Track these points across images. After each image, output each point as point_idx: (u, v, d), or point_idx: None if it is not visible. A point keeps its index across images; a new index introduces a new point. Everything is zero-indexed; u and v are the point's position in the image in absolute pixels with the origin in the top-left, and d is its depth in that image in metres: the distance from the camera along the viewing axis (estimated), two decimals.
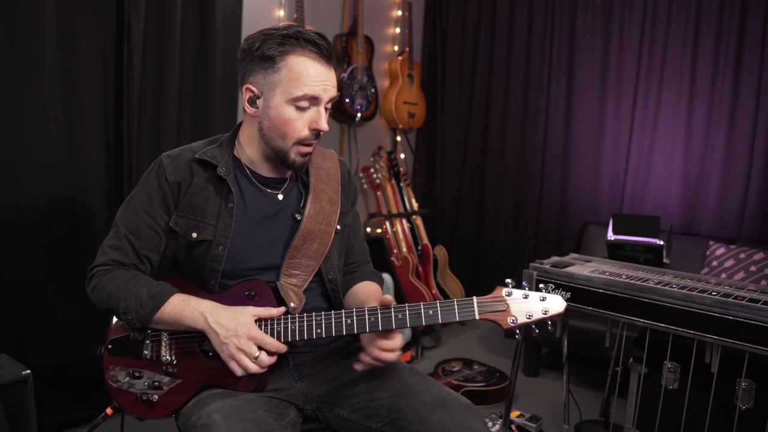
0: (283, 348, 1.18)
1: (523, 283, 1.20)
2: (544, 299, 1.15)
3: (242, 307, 1.19)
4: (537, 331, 1.17)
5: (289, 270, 1.29)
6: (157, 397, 1.21)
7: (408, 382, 1.25)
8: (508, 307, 1.15)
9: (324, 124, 1.23)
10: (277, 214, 1.32)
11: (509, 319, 1.14)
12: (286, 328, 1.20)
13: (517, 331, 1.22)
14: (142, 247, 1.26)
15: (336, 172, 1.41)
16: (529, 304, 1.15)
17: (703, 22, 3.02)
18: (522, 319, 1.14)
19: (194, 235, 1.26)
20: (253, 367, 1.14)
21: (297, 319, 1.20)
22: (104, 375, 1.23)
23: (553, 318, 1.15)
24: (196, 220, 1.26)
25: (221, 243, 1.25)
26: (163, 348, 1.22)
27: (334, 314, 1.19)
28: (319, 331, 1.19)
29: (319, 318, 1.19)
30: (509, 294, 1.16)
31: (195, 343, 1.23)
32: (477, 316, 1.14)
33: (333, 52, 1.25)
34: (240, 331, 1.14)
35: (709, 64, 3.02)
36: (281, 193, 1.33)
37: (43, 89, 1.99)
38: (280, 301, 1.24)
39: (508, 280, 1.20)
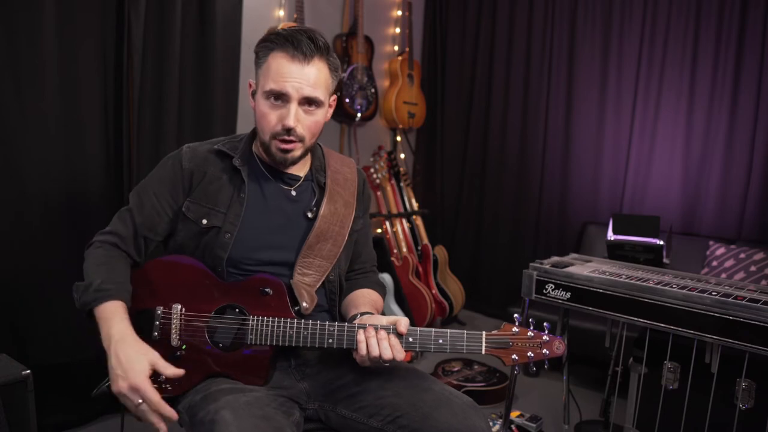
0: (172, 415, 1.10)
1: (530, 320, 1.25)
2: (546, 341, 1.20)
3: (147, 350, 1.13)
4: (534, 369, 1.22)
5: (302, 269, 1.30)
6: (162, 378, 1.20)
7: (410, 381, 1.25)
8: (513, 345, 1.19)
9: (289, 121, 1.21)
10: (289, 209, 1.34)
11: (512, 357, 1.19)
12: (298, 334, 1.20)
13: (516, 367, 1.28)
14: (141, 224, 1.30)
15: (353, 178, 1.45)
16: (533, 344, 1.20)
17: (703, 22, 3.02)
18: (524, 358, 1.19)
19: (204, 221, 1.29)
20: (133, 411, 1.10)
21: (310, 326, 1.20)
22: None
23: (551, 359, 1.20)
24: (208, 207, 1.30)
25: (228, 231, 1.28)
26: (173, 332, 1.23)
27: (347, 327, 1.20)
28: (330, 341, 1.20)
29: (332, 328, 1.20)
30: (516, 333, 1.20)
31: (205, 332, 1.23)
32: (483, 351, 1.18)
33: (319, 53, 1.22)
34: (130, 377, 1.08)
35: (709, 64, 3.01)
36: (294, 190, 1.36)
37: (43, 89, 1.99)
38: (292, 300, 1.25)
39: (516, 316, 1.24)
